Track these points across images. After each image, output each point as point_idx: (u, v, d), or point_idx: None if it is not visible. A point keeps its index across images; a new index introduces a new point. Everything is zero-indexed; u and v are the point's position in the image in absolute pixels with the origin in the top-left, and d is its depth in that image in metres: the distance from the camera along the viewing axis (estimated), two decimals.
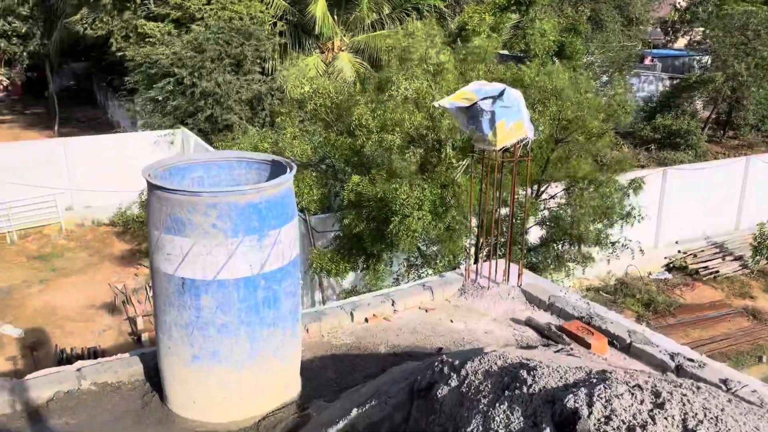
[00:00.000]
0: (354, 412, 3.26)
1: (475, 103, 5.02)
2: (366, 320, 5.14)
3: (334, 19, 20.45)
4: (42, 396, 3.95)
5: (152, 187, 3.71)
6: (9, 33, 26.48)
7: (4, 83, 34.20)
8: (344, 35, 21.13)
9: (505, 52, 23.00)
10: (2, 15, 26.29)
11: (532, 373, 2.45)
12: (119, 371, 4.21)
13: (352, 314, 5.12)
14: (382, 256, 10.39)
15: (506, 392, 2.43)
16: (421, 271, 10.91)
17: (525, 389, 2.38)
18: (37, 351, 11.65)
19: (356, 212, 9.55)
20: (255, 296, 3.73)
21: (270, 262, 3.75)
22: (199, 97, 17.73)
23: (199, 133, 17.92)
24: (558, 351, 3.99)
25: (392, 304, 5.33)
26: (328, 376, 4.30)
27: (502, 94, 5.01)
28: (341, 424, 3.24)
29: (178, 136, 18.16)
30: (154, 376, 4.20)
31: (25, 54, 27.36)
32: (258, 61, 18.88)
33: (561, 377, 2.44)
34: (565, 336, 4.80)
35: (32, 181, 16.26)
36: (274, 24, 19.99)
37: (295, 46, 20.83)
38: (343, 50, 20.84)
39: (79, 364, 4.32)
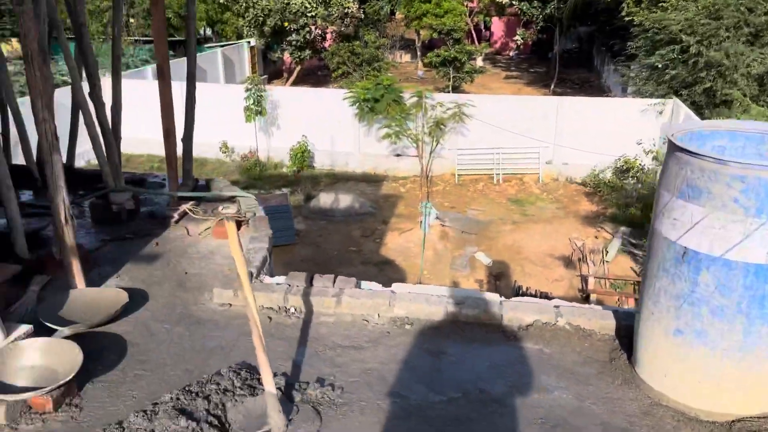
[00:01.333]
0: None
1: None
2: None
3: None
4: (524, 319, 4.39)
5: (673, 148, 3.57)
6: None
7: (518, 42, 38.35)
8: None
9: None
10: None
11: None
12: (592, 320, 4.35)
13: None
14: None
15: None
16: None
17: None
18: (500, 281, 13.16)
19: None
20: (764, 287, 3.29)
21: None
22: (701, 68, 16.41)
23: (692, 105, 16.69)
24: None
25: None
26: None
27: None
28: None
29: (668, 107, 17.35)
30: (623, 336, 4.20)
31: (540, 16, 29.95)
32: None
33: None
34: None
35: (524, 132, 18.04)
36: None
37: None
38: None
39: (556, 301, 4.64)
